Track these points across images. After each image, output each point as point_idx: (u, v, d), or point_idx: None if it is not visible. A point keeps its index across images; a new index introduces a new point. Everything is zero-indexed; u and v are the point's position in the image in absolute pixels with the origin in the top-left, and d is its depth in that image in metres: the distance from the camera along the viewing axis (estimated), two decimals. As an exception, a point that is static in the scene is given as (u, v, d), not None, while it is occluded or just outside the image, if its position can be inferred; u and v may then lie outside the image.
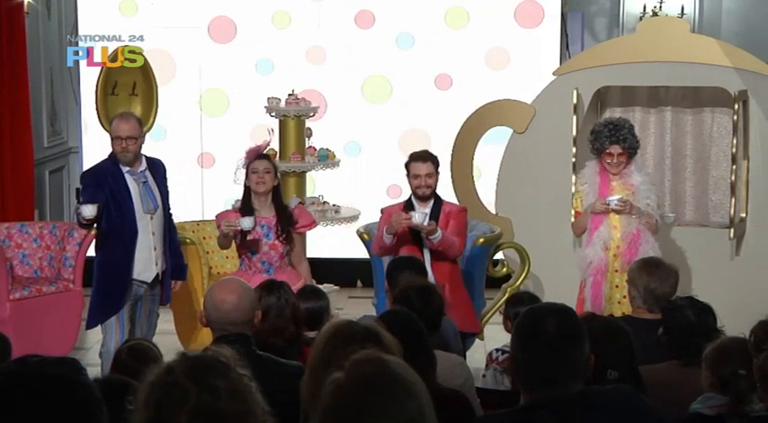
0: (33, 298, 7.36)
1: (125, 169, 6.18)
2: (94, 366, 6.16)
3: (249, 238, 6.32)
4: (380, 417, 2.18)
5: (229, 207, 8.79)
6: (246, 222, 6.21)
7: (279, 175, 6.59)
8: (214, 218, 6.79)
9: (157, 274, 6.29)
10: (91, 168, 6.40)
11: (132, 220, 6.14)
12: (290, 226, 6.40)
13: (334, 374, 2.27)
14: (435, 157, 6.45)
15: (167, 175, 6.41)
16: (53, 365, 2.11)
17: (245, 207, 6.39)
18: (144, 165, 6.25)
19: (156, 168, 6.32)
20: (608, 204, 6.52)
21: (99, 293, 6.26)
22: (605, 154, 6.60)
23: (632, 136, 6.64)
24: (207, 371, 2.31)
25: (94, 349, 7.82)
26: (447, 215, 6.39)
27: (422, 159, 6.38)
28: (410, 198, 6.48)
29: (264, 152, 6.62)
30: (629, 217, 6.59)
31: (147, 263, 6.22)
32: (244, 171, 6.49)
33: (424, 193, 6.36)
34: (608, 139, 6.58)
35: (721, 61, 7.92)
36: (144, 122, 7.84)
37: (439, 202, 6.46)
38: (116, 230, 6.15)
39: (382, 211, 6.60)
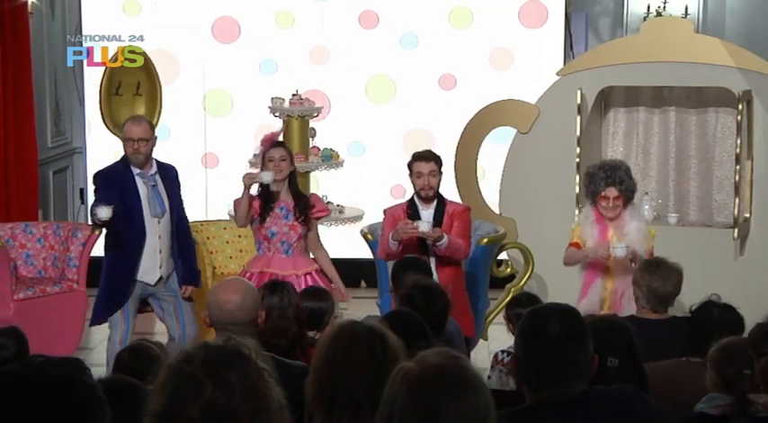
0: (37, 298, 7.37)
1: (135, 172, 6.28)
2: (98, 366, 6.17)
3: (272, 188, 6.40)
4: (451, 403, 2.24)
5: (233, 206, 8.83)
6: (267, 176, 6.32)
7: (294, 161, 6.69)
8: (230, 205, 6.89)
9: (161, 277, 6.36)
10: (104, 169, 6.48)
11: (141, 222, 6.24)
12: (307, 209, 6.49)
13: (403, 365, 2.33)
14: (438, 157, 6.41)
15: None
16: (56, 366, 2.11)
17: (265, 193, 6.46)
18: (154, 168, 6.35)
19: (167, 173, 6.42)
20: (610, 252, 6.11)
21: (105, 293, 6.36)
22: (601, 197, 6.22)
23: (629, 178, 6.27)
24: (224, 365, 2.30)
25: (98, 349, 7.83)
26: (451, 216, 6.35)
27: (425, 159, 6.36)
28: (413, 198, 6.46)
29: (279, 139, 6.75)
30: (625, 274, 6.14)
31: (151, 265, 6.31)
32: (260, 158, 6.59)
33: (428, 193, 6.35)
34: (603, 181, 6.21)
35: (725, 61, 7.92)
36: (148, 123, 7.87)
37: (442, 202, 6.43)
38: (125, 232, 6.24)
39: (385, 211, 6.58)
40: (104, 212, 6.04)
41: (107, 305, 6.33)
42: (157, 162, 6.40)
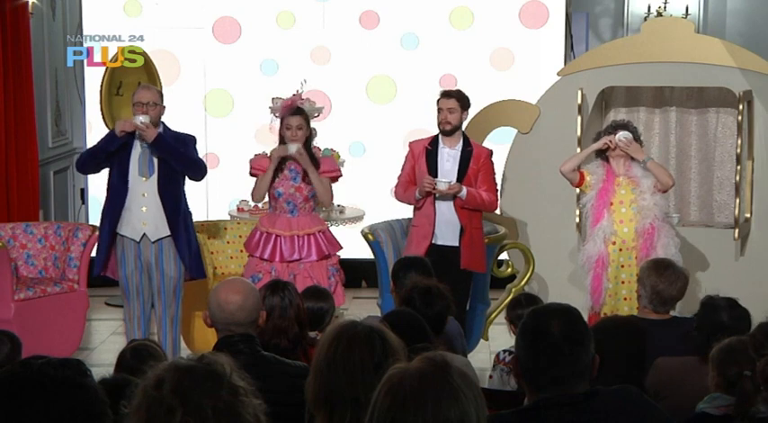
0: (38, 298, 7.37)
1: (137, 133, 6.56)
2: (99, 367, 6.16)
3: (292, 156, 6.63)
4: (421, 412, 2.23)
5: (234, 207, 8.84)
6: (293, 147, 6.60)
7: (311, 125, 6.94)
8: (252, 156, 7.03)
9: (144, 234, 6.58)
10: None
11: (124, 178, 6.54)
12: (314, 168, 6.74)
13: (395, 366, 2.34)
14: (463, 96, 6.77)
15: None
16: (57, 367, 2.11)
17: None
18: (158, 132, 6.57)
19: (177, 139, 6.66)
20: (616, 138, 6.71)
21: (99, 245, 6.75)
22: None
23: (636, 129, 6.93)
24: (195, 388, 2.26)
25: (99, 349, 7.84)
26: (477, 160, 6.72)
27: (446, 96, 6.79)
28: (437, 135, 6.81)
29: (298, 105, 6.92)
30: (641, 211, 6.65)
31: (135, 221, 6.56)
32: (279, 121, 6.82)
33: (444, 127, 6.72)
34: (610, 128, 6.86)
35: (726, 62, 7.92)
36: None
37: (467, 141, 6.80)
38: (112, 187, 6.60)
39: (410, 144, 6.96)
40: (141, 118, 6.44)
41: (98, 254, 6.69)
42: (173, 131, 6.69)
